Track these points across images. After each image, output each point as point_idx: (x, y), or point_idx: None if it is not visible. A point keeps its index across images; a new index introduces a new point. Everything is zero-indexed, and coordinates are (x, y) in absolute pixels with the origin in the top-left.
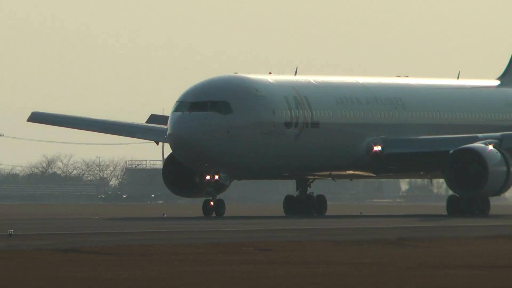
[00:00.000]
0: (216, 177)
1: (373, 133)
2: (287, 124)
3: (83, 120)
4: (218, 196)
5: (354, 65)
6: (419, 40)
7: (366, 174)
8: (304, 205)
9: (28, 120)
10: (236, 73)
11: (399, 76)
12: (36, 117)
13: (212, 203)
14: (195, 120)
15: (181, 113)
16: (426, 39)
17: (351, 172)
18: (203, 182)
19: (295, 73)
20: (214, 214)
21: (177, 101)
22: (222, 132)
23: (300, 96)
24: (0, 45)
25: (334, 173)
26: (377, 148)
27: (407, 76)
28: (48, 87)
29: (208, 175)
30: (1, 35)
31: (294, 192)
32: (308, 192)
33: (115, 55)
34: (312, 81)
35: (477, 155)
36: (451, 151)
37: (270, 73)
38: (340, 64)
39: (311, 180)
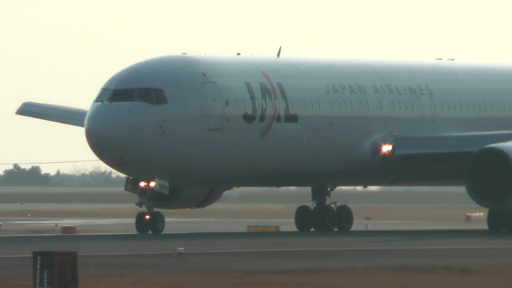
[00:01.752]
0: (152, 184)
1: (382, 130)
2: (248, 118)
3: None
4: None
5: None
6: (462, 20)
7: (373, 181)
8: (320, 218)
9: (17, 113)
10: (185, 53)
11: (440, 59)
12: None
13: (147, 217)
14: (116, 112)
15: (101, 103)
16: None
17: (348, 178)
18: (137, 190)
19: (278, 54)
20: (150, 231)
21: (100, 88)
22: (152, 127)
23: (270, 83)
24: None
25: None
26: (387, 148)
27: (453, 59)
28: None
29: (143, 181)
30: None
31: (303, 202)
32: (328, 203)
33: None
34: (297, 64)
35: (502, 156)
36: (474, 152)
37: (238, 53)
38: (352, 46)
39: (329, 188)
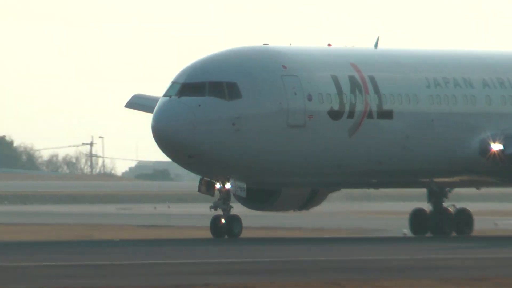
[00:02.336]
0: (227, 185)
1: (491, 127)
2: (334, 114)
3: None
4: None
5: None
6: None
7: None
8: (436, 222)
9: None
10: (266, 44)
11: None
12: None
13: (223, 221)
14: (184, 108)
15: (168, 98)
16: None
17: (453, 180)
18: (212, 192)
19: (376, 45)
20: (226, 236)
21: (170, 82)
22: (224, 124)
23: (361, 76)
24: None
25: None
26: (497, 147)
27: None
28: None
29: (218, 182)
30: None
31: (417, 203)
32: (446, 205)
33: None
34: (393, 55)
35: None
36: None
37: (329, 44)
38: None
39: (448, 188)
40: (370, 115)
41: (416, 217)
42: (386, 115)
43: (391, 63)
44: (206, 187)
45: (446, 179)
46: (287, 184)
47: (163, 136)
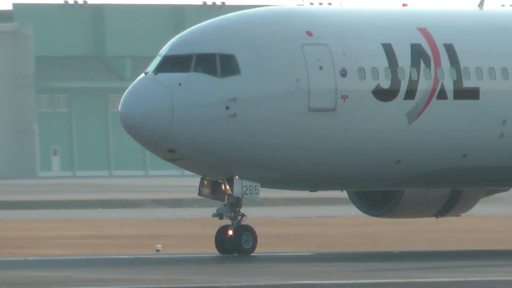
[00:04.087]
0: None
1: None
2: (383, 93)
3: None
4: None
5: None
6: None
7: None
8: None
9: None
10: (301, 4)
11: None
12: None
13: (230, 232)
14: (159, 89)
15: (144, 76)
16: None
17: None
18: (217, 195)
19: (481, 5)
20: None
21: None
22: (215, 108)
23: (433, 44)
24: None
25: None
26: None
27: None
28: None
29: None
30: None
31: None
32: None
33: None
34: (488, 17)
35: None
36: None
37: (404, 5)
38: None
39: None
40: (442, 95)
41: None
42: (470, 94)
43: (482, 27)
44: (210, 189)
45: None
46: (314, 187)
47: (131, 126)
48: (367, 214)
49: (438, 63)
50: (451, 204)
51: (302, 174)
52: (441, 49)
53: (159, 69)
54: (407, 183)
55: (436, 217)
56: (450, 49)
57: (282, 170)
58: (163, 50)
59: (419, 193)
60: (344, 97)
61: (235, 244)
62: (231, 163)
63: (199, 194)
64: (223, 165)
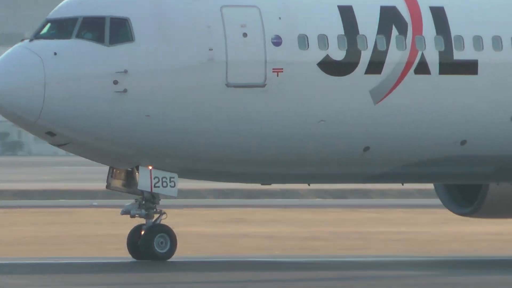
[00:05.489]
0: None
1: None
2: (333, 66)
3: None
4: None
5: None
6: None
7: None
8: None
9: None
10: None
11: None
12: None
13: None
14: (30, 59)
15: (20, 43)
16: None
17: None
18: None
19: None
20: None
21: None
22: (99, 82)
23: (413, 6)
24: None
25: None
26: None
27: None
28: None
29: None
30: None
31: None
32: None
33: None
34: None
35: None
36: None
37: None
38: None
39: None
40: (422, 69)
41: None
42: (465, 68)
43: None
44: (124, 180)
45: None
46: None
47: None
48: (456, 213)
49: (418, 30)
50: None
51: (223, 164)
52: (425, 13)
53: (38, 35)
54: (377, 177)
55: None
56: (438, 14)
57: (192, 158)
58: (51, 13)
59: (505, 188)
60: (278, 71)
61: (146, 248)
62: (127, 149)
63: (108, 187)
64: (118, 152)
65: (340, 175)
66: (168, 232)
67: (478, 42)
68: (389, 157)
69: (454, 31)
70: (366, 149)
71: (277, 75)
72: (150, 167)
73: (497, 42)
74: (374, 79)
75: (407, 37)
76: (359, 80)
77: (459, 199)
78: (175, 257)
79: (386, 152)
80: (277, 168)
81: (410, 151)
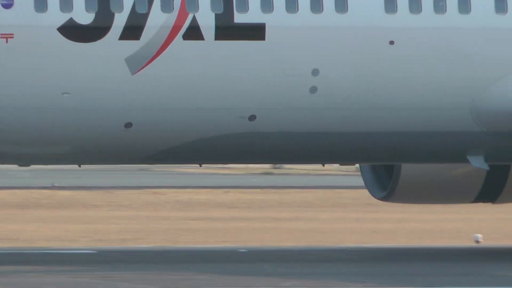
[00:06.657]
0: None
1: None
2: (80, 31)
3: None
4: None
5: None
6: None
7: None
8: None
9: None
10: None
11: None
12: None
13: None
14: None
15: None
16: None
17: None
18: None
19: None
20: None
21: None
22: None
23: None
24: None
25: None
26: None
27: None
28: None
29: None
30: None
31: None
32: None
33: None
34: None
35: None
36: None
37: None
38: None
39: None
40: (193, 34)
41: None
42: (251, 33)
43: None
44: None
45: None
46: None
47: None
48: (376, 198)
49: None
50: (485, 188)
51: None
52: None
53: None
54: (144, 159)
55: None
56: None
57: None
58: None
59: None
60: (7, 36)
61: None
62: None
63: None
64: None
65: (99, 155)
66: None
67: (266, 3)
68: (155, 134)
69: None
70: (128, 125)
71: (6, 41)
72: None
73: (291, 3)
74: (131, 46)
75: None
76: (111, 47)
77: (385, 180)
78: None
79: (149, 130)
80: (25, 147)
81: (181, 129)
